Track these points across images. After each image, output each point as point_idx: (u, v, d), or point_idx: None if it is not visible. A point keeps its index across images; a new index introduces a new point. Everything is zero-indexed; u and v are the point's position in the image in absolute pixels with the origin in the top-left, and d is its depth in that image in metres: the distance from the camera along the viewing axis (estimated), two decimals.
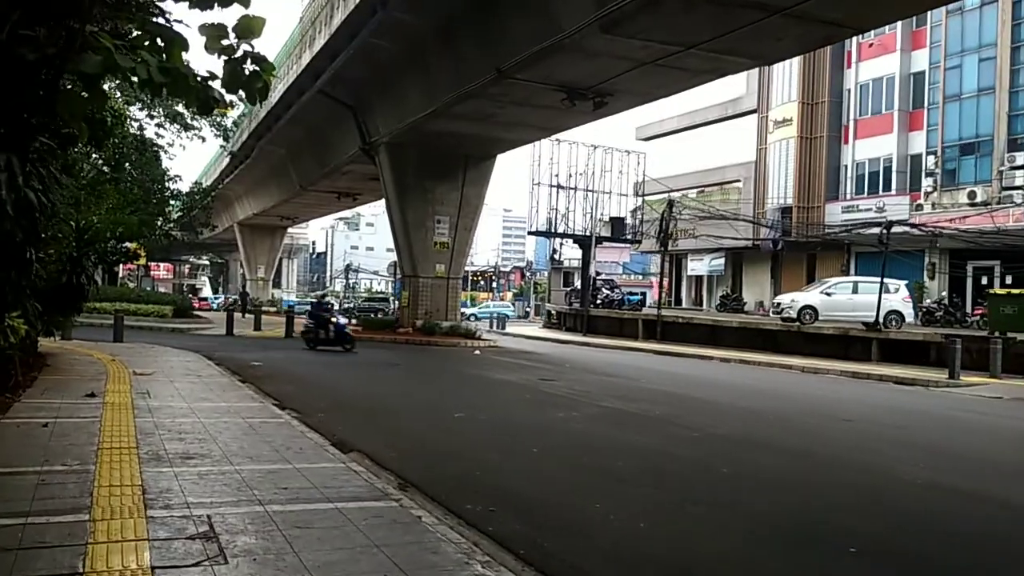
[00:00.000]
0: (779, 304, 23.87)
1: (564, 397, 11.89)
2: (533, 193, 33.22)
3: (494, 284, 69.15)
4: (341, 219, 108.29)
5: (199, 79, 4.11)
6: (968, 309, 26.60)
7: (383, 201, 44.57)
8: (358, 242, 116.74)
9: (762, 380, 16.55)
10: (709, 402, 12.28)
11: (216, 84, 4.18)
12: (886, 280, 21.54)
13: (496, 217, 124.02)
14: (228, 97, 4.35)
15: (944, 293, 27.69)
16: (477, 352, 21.00)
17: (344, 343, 18.44)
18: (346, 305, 49.06)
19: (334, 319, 19.00)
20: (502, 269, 76.80)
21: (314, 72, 23.06)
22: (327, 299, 24.29)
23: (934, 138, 29.24)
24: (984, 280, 28.02)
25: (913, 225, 22.59)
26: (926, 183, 29.23)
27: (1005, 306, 18.38)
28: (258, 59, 4.04)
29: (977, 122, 27.78)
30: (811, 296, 23.12)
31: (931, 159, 29.17)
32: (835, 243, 30.25)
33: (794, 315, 22.52)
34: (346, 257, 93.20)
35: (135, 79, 4.08)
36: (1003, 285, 25.41)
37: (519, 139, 23.87)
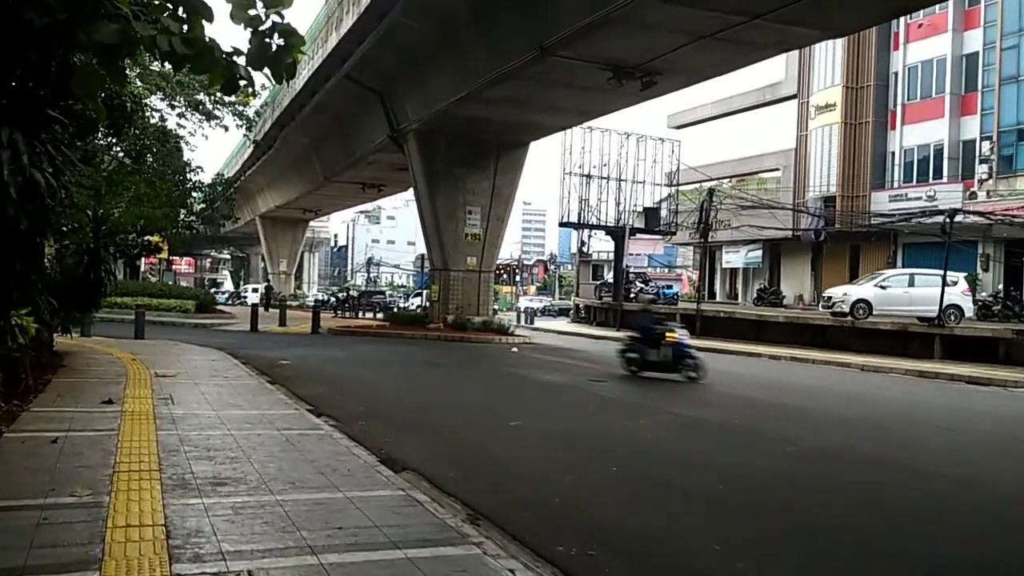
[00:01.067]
0: (830, 298, 22.57)
1: (623, 402, 10.86)
2: (564, 183, 32.05)
3: (517, 278, 68.00)
4: (362, 212, 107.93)
5: (224, 54, 3.64)
6: None
7: (406, 194, 43.48)
8: (379, 235, 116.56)
9: (825, 380, 15.40)
10: (784, 406, 11.17)
11: (242, 61, 3.68)
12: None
13: (516, 209, 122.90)
14: (254, 82, 3.85)
15: (1000, 285, 26.22)
16: (515, 350, 19.96)
17: (688, 369, 12.86)
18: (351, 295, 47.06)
19: (672, 334, 13.23)
20: (525, 262, 75.71)
21: (341, 56, 22.11)
22: (359, 290, 22.91)
23: (989, 123, 27.72)
24: None
25: (980, 213, 21.12)
26: (980, 170, 27.73)
27: None
28: (287, 32, 3.59)
29: None
30: (865, 289, 21.81)
31: (986, 145, 27.66)
32: (880, 233, 28.82)
33: (846, 309, 21.24)
34: (367, 251, 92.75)
35: (156, 51, 3.55)
36: None
37: (556, 124, 22.72)
